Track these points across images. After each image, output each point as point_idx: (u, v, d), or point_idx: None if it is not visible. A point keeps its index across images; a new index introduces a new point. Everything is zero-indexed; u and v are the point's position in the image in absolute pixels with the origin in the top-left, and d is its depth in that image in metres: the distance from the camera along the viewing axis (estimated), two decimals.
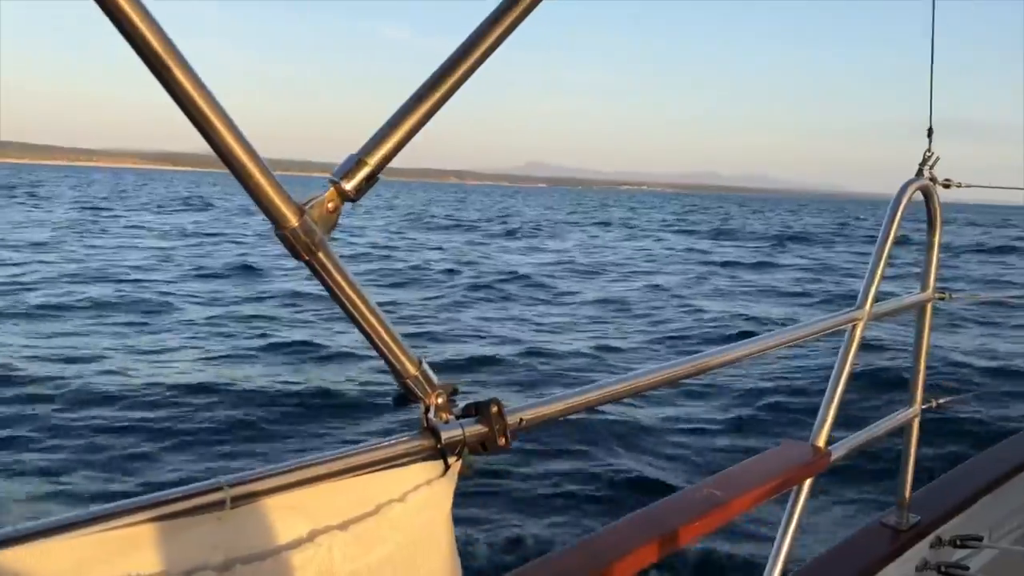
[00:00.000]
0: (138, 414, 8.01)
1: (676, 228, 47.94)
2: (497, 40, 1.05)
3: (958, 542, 2.81)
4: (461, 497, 1.17)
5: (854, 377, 2.33)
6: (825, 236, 45.00)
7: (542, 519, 6.12)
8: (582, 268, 24.12)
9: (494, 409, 1.20)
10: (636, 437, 7.69)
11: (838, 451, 2.28)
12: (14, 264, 19.38)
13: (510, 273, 21.11)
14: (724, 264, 26.71)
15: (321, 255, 0.99)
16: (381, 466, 1.10)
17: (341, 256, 1.02)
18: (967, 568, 2.77)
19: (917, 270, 2.68)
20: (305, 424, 7.97)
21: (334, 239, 1.01)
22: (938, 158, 2.52)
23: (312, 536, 1.02)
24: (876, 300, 2.33)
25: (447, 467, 1.15)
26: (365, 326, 1.07)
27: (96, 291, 15.40)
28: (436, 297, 17.17)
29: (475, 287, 18.60)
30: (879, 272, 2.34)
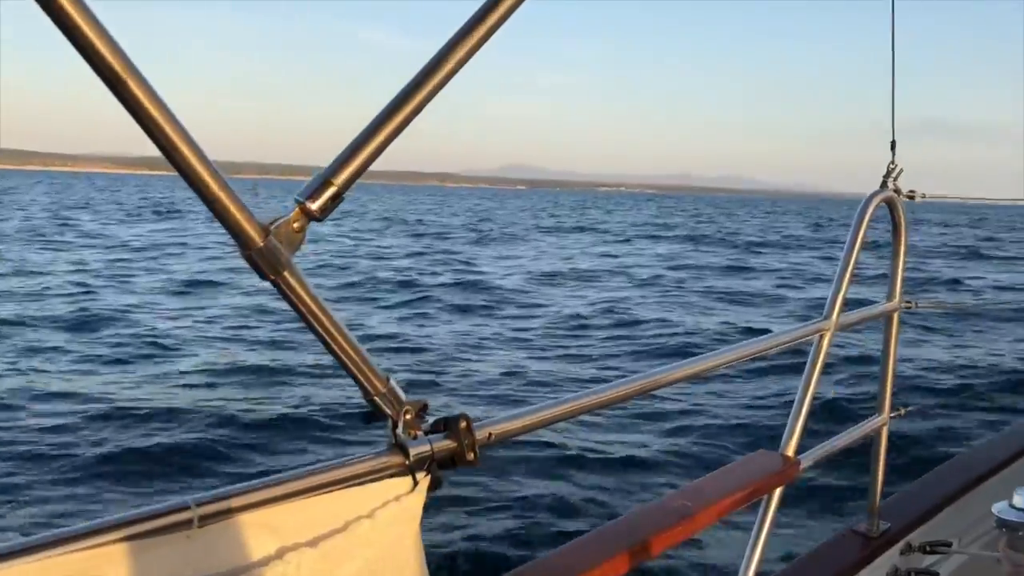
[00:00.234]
0: (93, 436, 7.85)
1: (644, 235, 46.65)
2: (459, 63, 1.05)
3: (928, 548, 2.84)
4: (431, 512, 1.18)
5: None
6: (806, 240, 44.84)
7: (513, 533, 6.10)
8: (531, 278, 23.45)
9: (463, 424, 1.20)
10: (606, 449, 7.71)
11: (807, 460, 2.30)
12: None
13: (469, 283, 20.73)
14: (696, 268, 26.51)
15: (287, 275, 0.99)
16: (350, 483, 1.10)
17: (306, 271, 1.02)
18: (937, 574, 2.80)
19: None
20: (273, 444, 7.89)
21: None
22: (901, 170, 2.56)
23: (281, 553, 1.02)
24: (843, 310, 2.36)
25: (416, 483, 1.16)
26: (332, 345, 1.07)
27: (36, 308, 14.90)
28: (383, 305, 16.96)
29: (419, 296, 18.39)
30: (845, 283, 2.37)
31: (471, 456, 1.20)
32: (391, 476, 1.14)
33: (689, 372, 1.89)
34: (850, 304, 2.42)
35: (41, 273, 20.19)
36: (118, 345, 11.90)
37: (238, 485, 1.01)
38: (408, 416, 1.16)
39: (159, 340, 12.23)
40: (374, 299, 17.48)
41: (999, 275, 22.22)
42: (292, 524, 1.04)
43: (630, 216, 74.30)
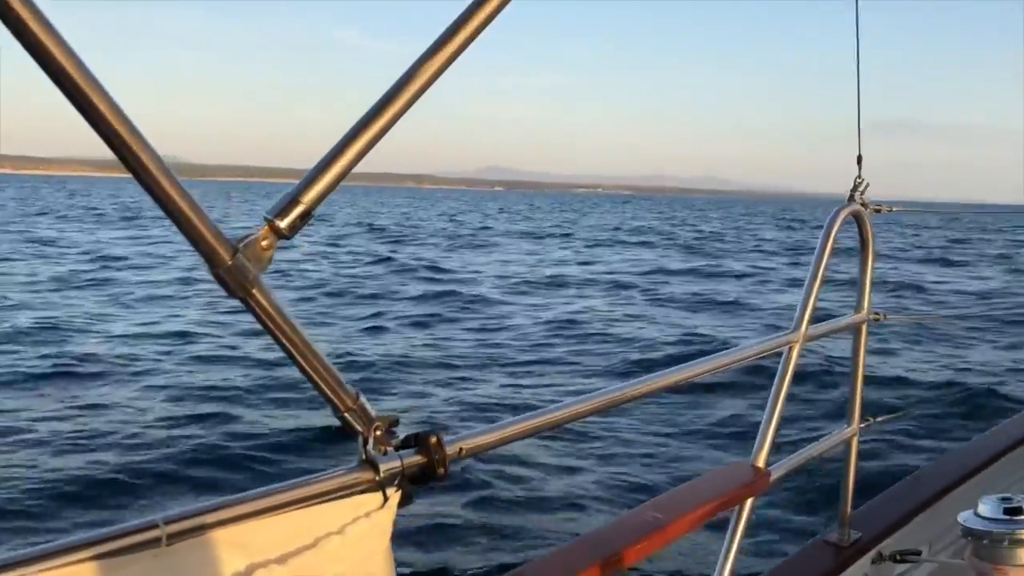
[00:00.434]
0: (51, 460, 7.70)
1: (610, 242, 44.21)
2: (427, 83, 1.06)
3: (898, 557, 2.87)
4: (401, 527, 1.18)
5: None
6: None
7: (483, 547, 6.09)
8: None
9: (433, 440, 1.21)
10: (578, 462, 7.71)
11: (778, 471, 2.32)
12: None
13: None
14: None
15: (256, 292, 0.99)
16: (320, 499, 1.10)
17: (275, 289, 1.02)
18: None
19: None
20: (240, 462, 7.80)
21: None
22: (868, 184, 2.60)
23: (250, 571, 1.02)
24: (811, 322, 2.39)
25: (386, 499, 1.16)
26: (302, 361, 1.08)
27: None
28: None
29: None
30: (813, 295, 2.39)
31: (441, 471, 1.21)
32: (361, 492, 1.14)
33: (659, 385, 1.91)
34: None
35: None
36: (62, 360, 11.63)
37: (207, 502, 1.01)
38: (378, 432, 1.16)
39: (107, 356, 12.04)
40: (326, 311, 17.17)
41: (966, 281, 22.35)
42: (262, 541, 1.04)
43: (605, 219, 74.04)
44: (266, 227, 1.00)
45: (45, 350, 11.96)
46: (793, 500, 6.48)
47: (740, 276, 25.29)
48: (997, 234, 55.96)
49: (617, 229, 52.88)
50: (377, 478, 1.15)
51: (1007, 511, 1.59)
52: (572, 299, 18.85)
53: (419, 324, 15.13)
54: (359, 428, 1.15)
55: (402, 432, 1.22)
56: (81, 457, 7.64)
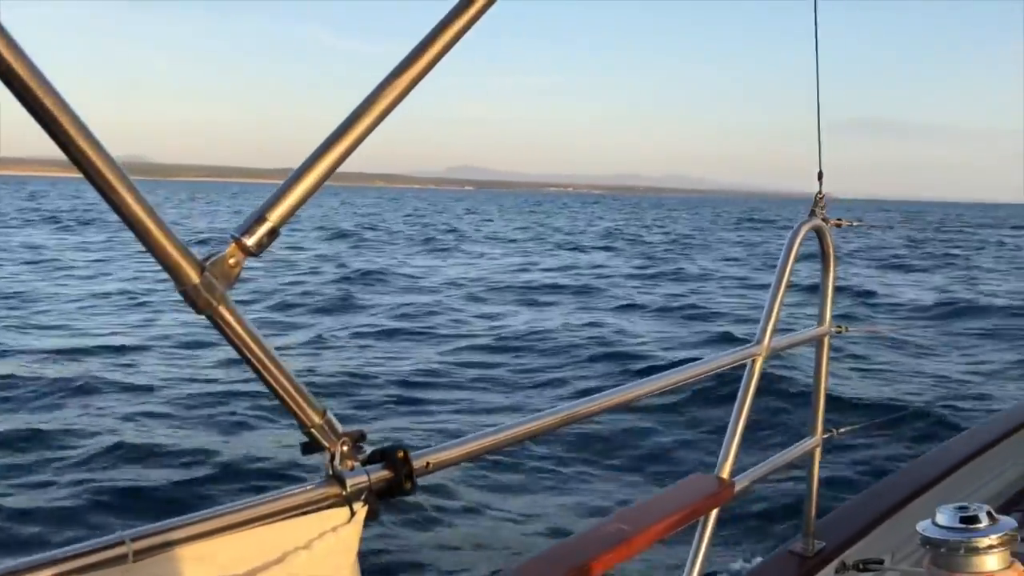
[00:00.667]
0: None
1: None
2: (391, 104, 1.07)
3: (861, 566, 2.91)
4: (368, 542, 1.18)
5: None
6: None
7: (450, 561, 6.08)
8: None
9: (400, 454, 1.21)
10: (543, 476, 7.72)
11: (742, 482, 2.35)
12: None
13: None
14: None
15: (223, 310, 0.99)
16: (287, 515, 1.10)
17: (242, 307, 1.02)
18: None
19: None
20: (208, 480, 7.71)
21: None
22: (829, 199, 2.65)
23: None
24: (774, 335, 2.43)
25: (353, 514, 1.16)
26: (268, 378, 1.08)
27: None
28: None
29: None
30: (776, 308, 2.43)
31: (408, 486, 1.21)
32: (328, 507, 1.14)
33: (624, 398, 1.93)
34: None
35: None
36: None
37: (174, 519, 1.00)
38: (345, 447, 1.17)
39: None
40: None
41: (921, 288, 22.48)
42: (229, 557, 1.04)
43: (569, 221, 73.77)
44: (233, 245, 1.00)
45: None
46: (759, 510, 6.53)
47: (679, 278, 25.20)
48: (960, 234, 56.12)
49: (581, 233, 52.32)
50: (344, 493, 1.15)
51: (963, 520, 1.62)
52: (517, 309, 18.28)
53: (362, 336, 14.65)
54: (326, 443, 1.16)
55: (370, 447, 1.22)
56: (35, 477, 7.52)
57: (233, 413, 9.46)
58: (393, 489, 1.21)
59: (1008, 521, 1.62)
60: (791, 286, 2.48)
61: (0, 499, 6.92)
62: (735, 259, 31.72)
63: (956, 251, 34.12)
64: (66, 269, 24.20)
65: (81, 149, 0.87)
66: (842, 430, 2.93)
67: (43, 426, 8.79)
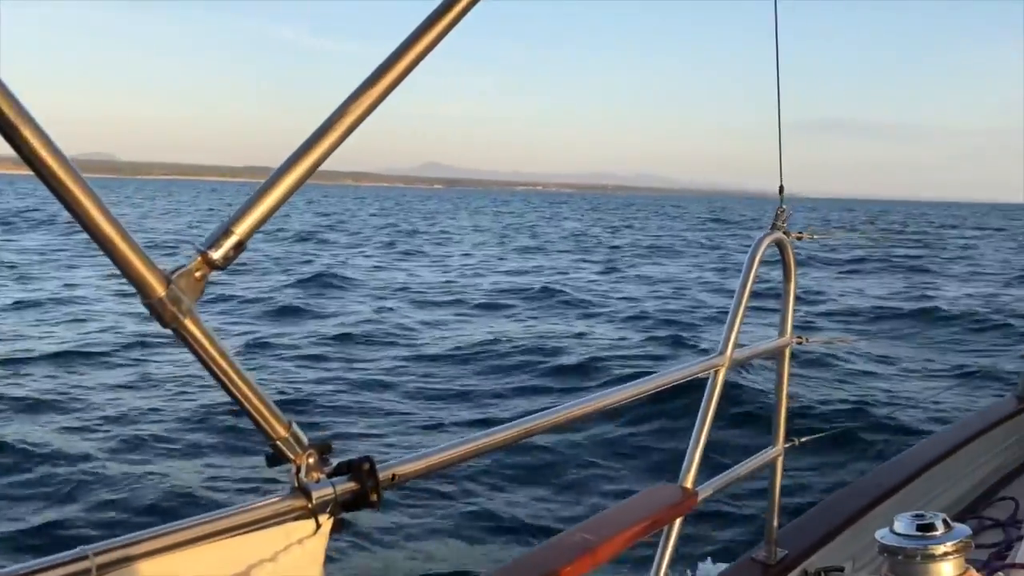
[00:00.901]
0: None
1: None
2: (358, 118, 1.08)
3: (823, 573, 2.95)
4: (333, 554, 1.18)
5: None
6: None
7: (415, 572, 6.06)
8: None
9: (366, 466, 1.21)
10: (508, 486, 7.72)
11: (705, 491, 2.37)
12: None
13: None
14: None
15: (188, 323, 0.99)
16: (252, 527, 1.10)
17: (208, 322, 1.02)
18: None
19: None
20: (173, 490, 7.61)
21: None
22: (791, 213, 2.69)
23: None
24: (737, 346, 2.46)
25: (319, 526, 1.16)
26: (234, 390, 1.07)
27: None
28: None
29: None
30: (738, 319, 2.46)
31: (374, 497, 1.21)
32: (294, 519, 1.14)
33: (589, 409, 1.94)
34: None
35: None
36: None
37: (137, 533, 1.00)
38: (311, 459, 1.17)
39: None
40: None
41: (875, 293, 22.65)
42: (194, 570, 1.03)
43: (537, 220, 73.38)
44: (199, 258, 1.00)
45: None
46: (722, 519, 6.58)
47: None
48: (924, 235, 56.34)
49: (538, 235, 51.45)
50: (310, 505, 1.15)
51: (920, 528, 1.65)
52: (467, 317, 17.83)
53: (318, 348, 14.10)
54: (291, 456, 1.16)
55: (336, 459, 1.22)
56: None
57: (196, 426, 9.35)
58: (359, 501, 1.21)
59: (963, 528, 1.66)
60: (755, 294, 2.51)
61: None
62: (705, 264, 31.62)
63: (919, 257, 34.35)
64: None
65: (44, 161, 0.86)
66: (803, 439, 2.97)
67: None
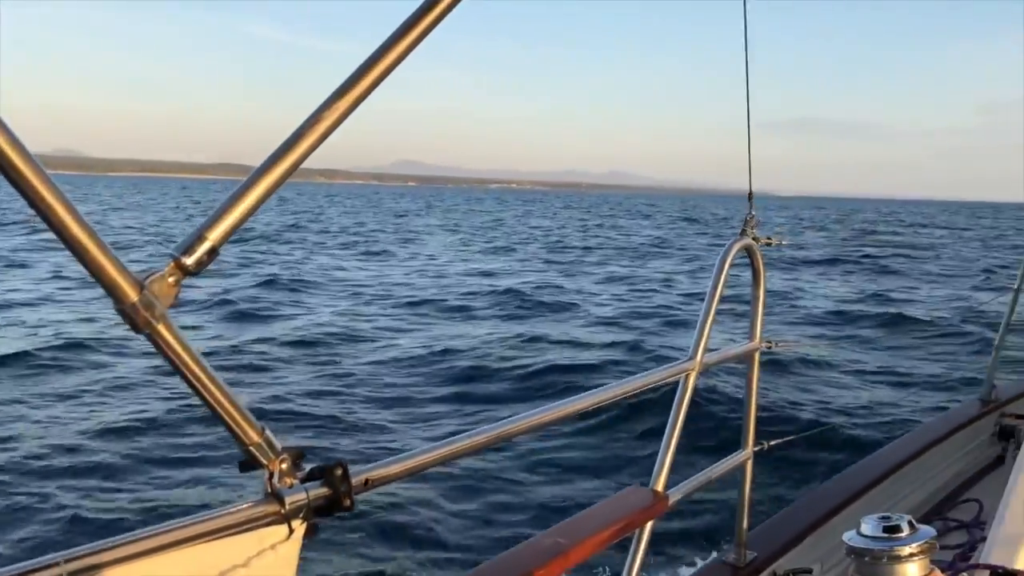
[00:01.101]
0: None
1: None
2: (336, 120, 1.08)
3: (791, 575, 2.99)
4: (307, 559, 1.18)
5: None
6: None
7: (392, 575, 6.05)
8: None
9: (338, 471, 1.21)
10: (481, 490, 7.72)
11: (676, 494, 2.39)
12: None
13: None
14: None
15: (161, 328, 0.98)
16: (225, 533, 1.09)
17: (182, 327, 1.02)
18: None
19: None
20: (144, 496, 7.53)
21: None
22: (759, 220, 2.73)
23: None
24: (707, 351, 2.48)
25: (292, 531, 1.16)
26: (207, 396, 1.07)
27: None
28: None
29: None
30: (708, 324, 2.49)
31: (347, 503, 1.21)
32: (267, 525, 1.14)
33: (561, 414, 1.95)
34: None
35: None
36: None
37: (109, 539, 0.99)
38: (284, 465, 1.17)
39: None
40: None
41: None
42: None
43: (509, 219, 72.77)
44: (172, 264, 1.00)
45: None
46: (693, 522, 6.62)
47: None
48: (894, 236, 56.58)
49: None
50: (283, 511, 1.15)
51: (886, 529, 1.68)
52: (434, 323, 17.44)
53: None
54: (264, 461, 1.15)
55: (309, 465, 1.22)
56: None
57: (161, 430, 9.26)
58: (332, 506, 1.20)
59: (928, 530, 1.69)
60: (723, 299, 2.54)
61: None
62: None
63: (885, 258, 34.60)
64: None
65: (15, 166, 0.85)
66: (773, 443, 3.00)
67: None
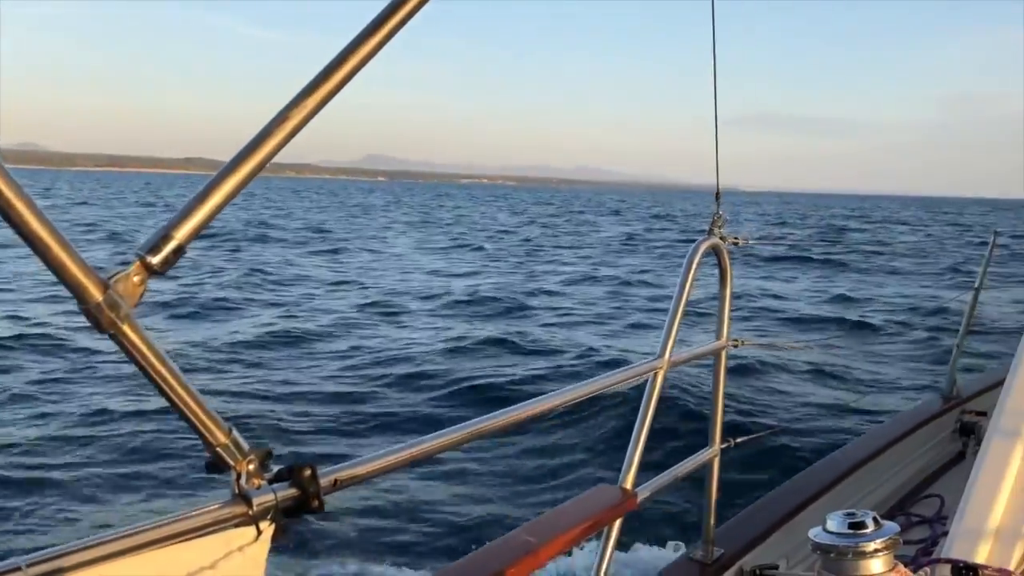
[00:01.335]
0: None
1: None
2: (306, 117, 1.07)
3: (758, 571, 3.02)
4: (275, 561, 1.17)
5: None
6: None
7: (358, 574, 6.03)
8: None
9: (307, 472, 1.21)
10: (451, 490, 7.72)
11: (644, 492, 2.41)
12: None
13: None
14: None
15: (126, 328, 0.97)
16: (192, 535, 1.08)
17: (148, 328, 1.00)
18: None
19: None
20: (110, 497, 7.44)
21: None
22: (727, 220, 2.75)
23: None
24: (674, 349, 2.50)
25: (260, 532, 1.15)
26: (173, 396, 1.06)
27: None
28: None
29: None
30: (676, 323, 2.51)
31: (316, 503, 1.21)
32: (235, 527, 1.13)
33: (530, 412, 1.96)
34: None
35: None
36: None
37: (72, 542, 0.98)
38: (251, 466, 1.15)
39: None
40: None
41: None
42: None
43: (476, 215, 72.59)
44: (138, 263, 0.98)
45: None
46: (661, 519, 6.66)
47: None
48: (861, 233, 56.73)
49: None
50: (250, 512, 1.14)
51: (851, 526, 1.70)
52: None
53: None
54: (231, 462, 1.14)
55: (277, 465, 1.21)
56: None
57: (133, 432, 9.15)
58: (301, 507, 1.20)
59: (892, 526, 1.72)
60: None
61: None
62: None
63: (851, 257, 34.81)
64: None
65: None
66: (739, 440, 3.03)
67: None
